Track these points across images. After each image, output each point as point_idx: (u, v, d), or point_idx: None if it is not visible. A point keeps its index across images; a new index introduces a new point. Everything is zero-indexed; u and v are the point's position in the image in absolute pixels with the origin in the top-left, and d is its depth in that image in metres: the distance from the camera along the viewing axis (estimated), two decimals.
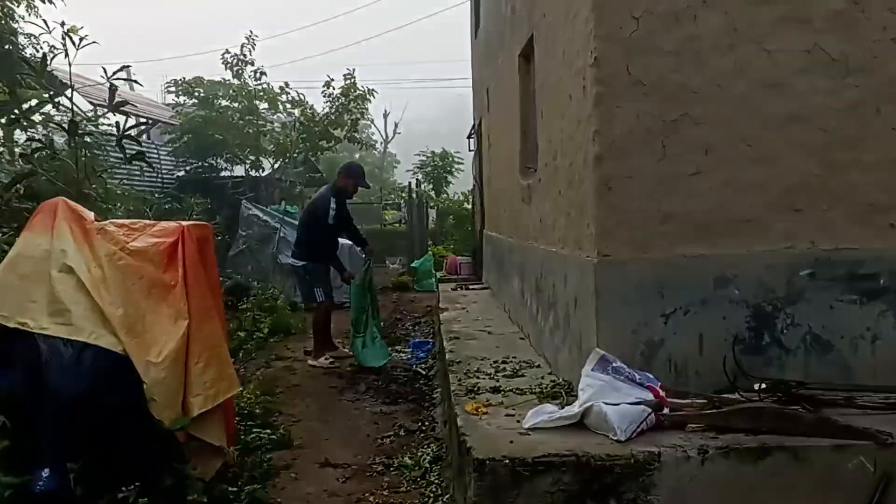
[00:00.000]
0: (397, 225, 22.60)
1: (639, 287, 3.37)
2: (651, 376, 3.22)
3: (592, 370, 3.22)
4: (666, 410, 3.04)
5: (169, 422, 3.74)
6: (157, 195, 15.80)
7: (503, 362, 4.76)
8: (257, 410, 5.59)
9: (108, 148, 14.73)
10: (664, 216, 3.39)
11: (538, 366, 4.62)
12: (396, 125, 40.04)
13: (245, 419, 5.31)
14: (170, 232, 4.08)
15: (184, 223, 4.15)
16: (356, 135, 15.37)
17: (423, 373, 7.04)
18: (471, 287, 9.09)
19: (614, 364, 3.22)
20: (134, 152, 6.36)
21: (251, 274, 12.38)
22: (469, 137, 13.34)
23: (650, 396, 3.09)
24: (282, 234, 13.04)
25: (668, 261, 3.38)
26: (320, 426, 5.64)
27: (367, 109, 14.99)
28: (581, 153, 3.68)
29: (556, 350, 4.35)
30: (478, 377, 4.36)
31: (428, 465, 4.49)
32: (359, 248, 8.70)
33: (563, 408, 3.27)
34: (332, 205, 7.54)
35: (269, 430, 5.34)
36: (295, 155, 15.39)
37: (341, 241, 13.20)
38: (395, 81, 41.61)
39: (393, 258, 20.21)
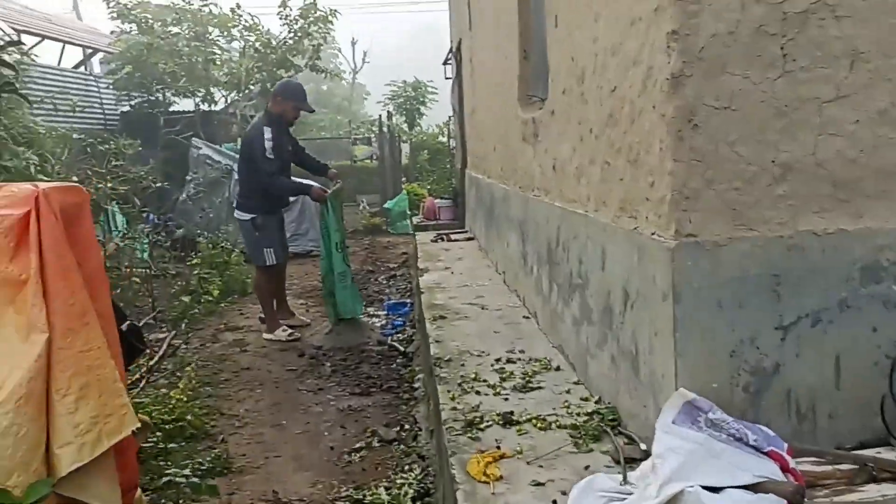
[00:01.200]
0: (368, 161, 21.13)
1: (741, 284, 2.13)
2: (771, 432, 2.01)
3: (674, 423, 2.00)
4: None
5: (22, 492, 2.48)
6: (97, 136, 14.25)
7: (508, 361, 3.54)
8: (188, 417, 4.35)
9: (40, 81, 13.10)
10: (783, 169, 2.13)
11: (557, 368, 3.40)
12: (365, 54, 37.89)
13: (168, 433, 4.08)
14: (18, 201, 2.74)
15: (42, 185, 2.79)
16: (319, 63, 13.76)
17: (401, 349, 5.82)
18: (453, 237, 7.83)
19: (710, 414, 2.01)
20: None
21: (201, 224, 11.00)
22: (446, 63, 11.89)
23: (775, 469, 1.89)
24: (236, 177, 11.61)
25: (789, 241, 2.14)
26: (271, 434, 4.41)
27: (329, 33, 13.36)
28: (636, 71, 2.39)
29: (585, 351, 3.12)
30: (478, 390, 3.14)
31: None
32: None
33: (625, 481, 2.06)
34: (268, 135, 6.05)
35: (199, 447, 4.13)
36: (251, 87, 13.81)
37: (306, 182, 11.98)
38: (361, 6, 39.23)
39: (365, 197, 18.84)
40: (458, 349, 3.79)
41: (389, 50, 52.98)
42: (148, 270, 8.14)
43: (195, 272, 8.37)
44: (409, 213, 14.92)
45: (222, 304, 7.82)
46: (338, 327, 6.27)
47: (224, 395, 5.01)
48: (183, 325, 6.95)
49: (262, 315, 6.82)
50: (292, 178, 6.77)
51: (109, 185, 7.56)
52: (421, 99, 21.69)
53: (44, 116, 11.95)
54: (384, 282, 9.21)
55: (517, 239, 4.83)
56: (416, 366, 5.33)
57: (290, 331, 6.45)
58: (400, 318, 7.06)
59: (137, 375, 5.18)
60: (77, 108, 12.84)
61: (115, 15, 13.69)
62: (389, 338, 6.23)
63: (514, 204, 4.93)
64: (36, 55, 15.27)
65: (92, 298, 2.83)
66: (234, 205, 6.49)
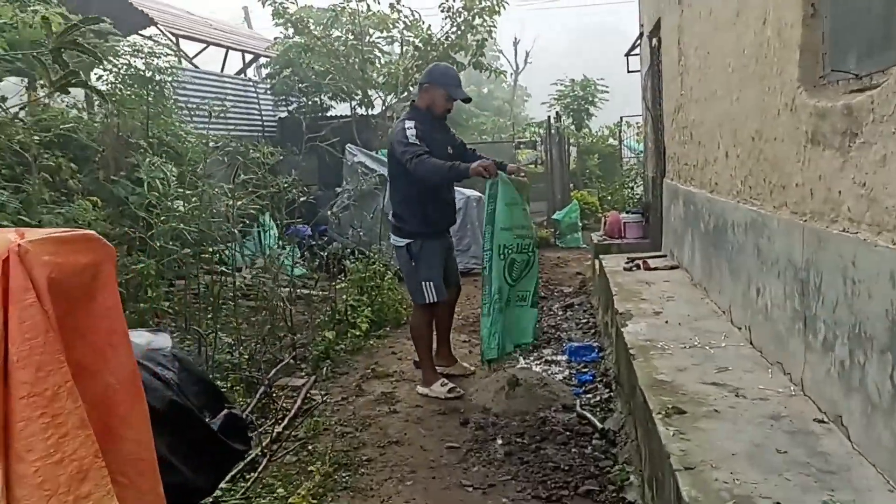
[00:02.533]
0: (533, 166, 19.70)
1: None
2: None
3: None
4: None
5: None
6: (256, 140, 13.75)
7: None
8: None
9: (191, 88, 12.70)
10: None
11: None
12: (528, 54, 36.49)
13: None
14: None
15: (22, 241, 1.53)
16: (482, 59, 12.50)
17: (598, 424, 4.34)
18: (652, 265, 6.23)
19: None
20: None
21: (353, 240, 10.02)
22: (629, 54, 10.25)
23: None
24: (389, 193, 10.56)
25: None
26: None
27: (494, 27, 12.06)
28: None
29: None
30: None
31: None
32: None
33: None
34: (409, 125, 4.81)
35: None
36: (410, 87, 12.77)
37: (466, 193, 10.67)
38: (526, 2, 37.73)
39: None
40: (727, 489, 2.28)
41: (552, 52, 51.35)
42: (291, 291, 7.16)
43: (343, 297, 7.30)
44: (580, 224, 13.37)
45: (371, 340, 6.65)
46: (512, 383, 4.89)
47: (363, 489, 3.75)
48: (325, 369, 5.83)
49: (416, 358, 5.58)
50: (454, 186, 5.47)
51: (247, 198, 6.57)
52: (590, 99, 19.98)
53: (198, 124, 11.46)
54: (559, 312, 7.74)
55: (787, 290, 3.23)
56: (623, 459, 3.84)
57: (449, 385, 5.16)
58: (587, 370, 5.58)
59: (260, 450, 4.05)
60: (227, 114, 12.31)
61: (277, 21, 13.09)
62: (578, 401, 4.77)
63: (781, 236, 3.33)
64: (195, 64, 15.09)
65: (112, 418, 1.60)
66: (391, 229, 5.26)
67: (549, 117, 14.77)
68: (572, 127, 17.89)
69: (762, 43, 3.58)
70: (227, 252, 6.70)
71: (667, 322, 4.43)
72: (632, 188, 13.59)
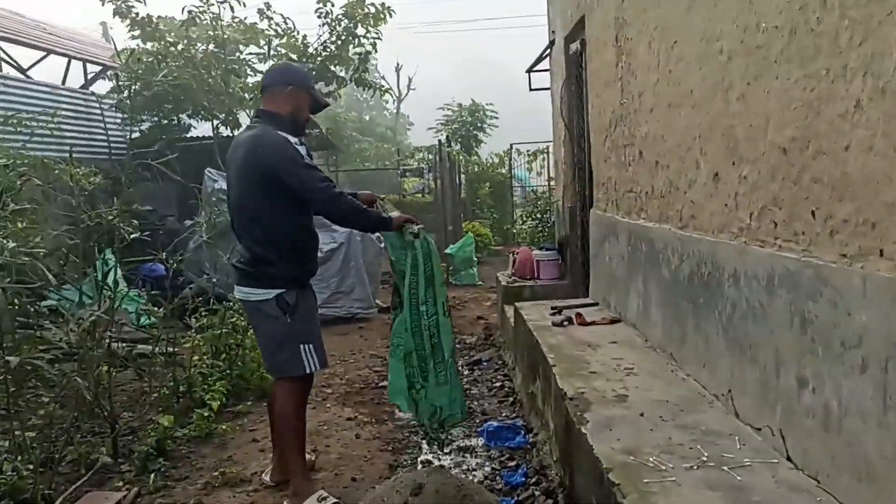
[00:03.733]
0: (419, 195, 18.39)
1: None
2: None
3: None
4: None
5: None
6: (98, 164, 11.75)
7: None
8: None
9: (13, 100, 10.64)
10: None
11: None
12: (410, 80, 35.44)
13: None
14: None
15: None
16: (366, 76, 11.10)
17: None
18: (587, 318, 4.94)
19: None
20: None
21: (212, 282, 8.35)
22: (532, 70, 9.11)
23: None
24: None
25: None
26: None
27: (380, 38, 10.68)
28: None
29: None
30: None
31: None
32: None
33: None
34: (297, 144, 3.56)
35: None
36: None
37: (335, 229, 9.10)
38: (403, 27, 36.75)
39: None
40: None
41: (434, 80, 50.78)
42: (125, 348, 5.47)
43: (193, 362, 5.65)
44: (475, 259, 12.12)
45: (225, 423, 5.01)
46: (416, 491, 3.42)
47: None
48: (154, 474, 4.17)
49: (269, 473, 4.06)
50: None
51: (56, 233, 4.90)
52: (479, 125, 18.97)
53: (31, 143, 9.50)
54: (464, 371, 6.36)
55: (889, 393, 1.94)
56: None
57: (331, 499, 3.63)
58: (514, 462, 4.19)
59: None
60: (63, 133, 10.37)
61: (129, 29, 11.19)
62: None
63: (872, 305, 2.05)
64: (27, 74, 12.94)
65: None
66: (237, 278, 3.67)
67: (439, 141, 13.49)
68: (464, 153, 16.70)
69: (806, 4, 2.34)
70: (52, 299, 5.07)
71: (642, 415, 3.09)
72: (538, 218, 12.44)
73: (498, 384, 5.85)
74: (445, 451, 4.54)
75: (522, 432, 4.58)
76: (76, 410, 4.38)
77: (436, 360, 3.69)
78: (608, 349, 4.22)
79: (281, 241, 3.55)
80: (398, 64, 35.20)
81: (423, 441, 4.69)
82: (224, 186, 8.69)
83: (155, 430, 4.55)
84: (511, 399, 5.41)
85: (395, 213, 3.85)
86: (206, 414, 4.94)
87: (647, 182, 4.27)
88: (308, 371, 3.67)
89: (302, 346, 3.63)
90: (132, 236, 5.44)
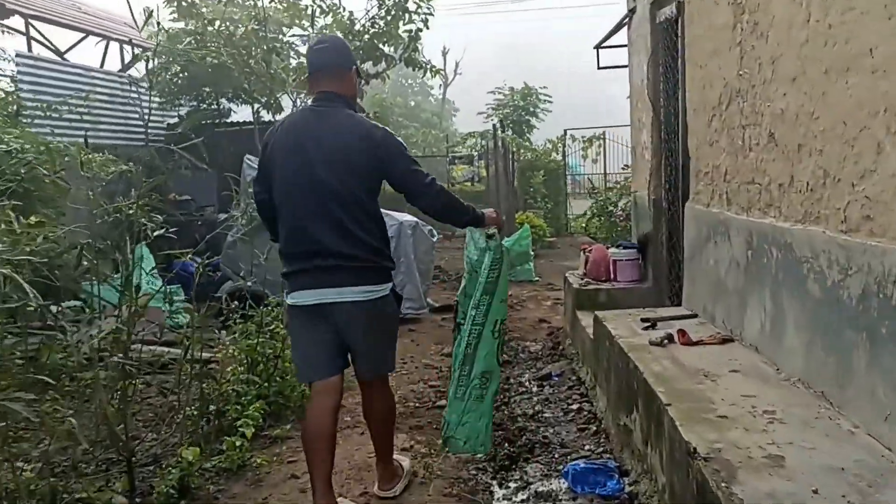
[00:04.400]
0: (468, 184, 17.56)
1: None
2: None
3: None
4: None
5: None
6: (133, 155, 11.18)
7: None
8: None
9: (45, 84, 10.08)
10: None
11: None
12: (458, 64, 34.50)
13: None
14: None
15: None
16: (416, 55, 10.30)
17: None
18: (692, 337, 4.07)
19: None
20: None
21: (256, 274, 7.70)
22: (601, 46, 8.20)
23: None
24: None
25: None
26: None
27: (432, 13, 9.87)
28: None
29: None
30: None
31: None
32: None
33: None
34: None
35: None
36: None
37: (398, 218, 8.38)
38: (452, 6, 35.72)
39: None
40: None
41: (480, 65, 49.80)
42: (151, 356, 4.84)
43: (223, 376, 4.96)
44: (531, 252, 11.27)
45: (259, 457, 4.27)
46: None
47: None
48: None
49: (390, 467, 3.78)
50: None
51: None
52: (531, 109, 18.07)
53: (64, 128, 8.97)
54: (532, 388, 5.54)
55: None
56: None
57: None
58: None
59: None
60: (99, 119, 9.82)
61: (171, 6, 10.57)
62: None
63: None
64: (64, 57, 12.41)
65: None
66: (343, 279, 3.26)
67: (493, 126, 12.61)
68: (517, 139, 15.81)
69: None
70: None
71: (816, 492, 2.25)
72: (608, 211, 11.52)
73: (574, 406, 5.03)
74: (520, 497, 3.76)
75: (616, 476, 3.76)
76: (85, 441, 3.69)
77: (462, 370, 3.54)
78: (731, 381, 3.37)
79: (385, 231, 3.44)
80: (445, 48, 34.27)
81: (495, 482, 3.93)
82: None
83: (178, 465, 3.85)
84: (594, 428, 4.59)
85: (488, 210, 3.65)
86: (238, 443, 4.22)
87: (780, 171, 3.39)
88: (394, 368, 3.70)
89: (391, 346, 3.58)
90: (156, 232, 4.73)
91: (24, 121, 8.33)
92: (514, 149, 14.25)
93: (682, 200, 5.10)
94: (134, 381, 4.23)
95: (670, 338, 4.07)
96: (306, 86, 9.76)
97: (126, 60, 13.19)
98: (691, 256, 4.83)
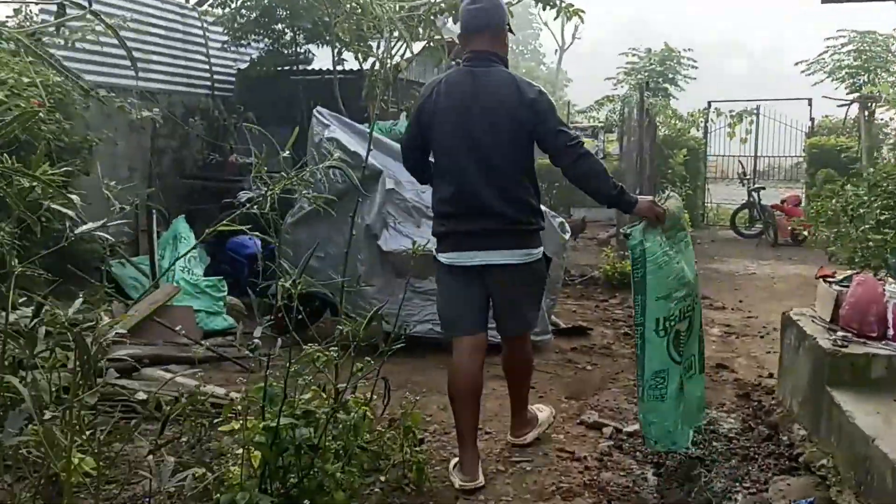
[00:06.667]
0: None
1: None
2: None
3: None
4: None
5: None
6: (201, 105, 9.18)
7: None
8: None
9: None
10: None
11: None
12: (577, 29, 31.45)
13: None
14: None
15: None
16: None
17: None
18: None
19: None
20: None
21: (320, 269, 5.61)
22: None
23: None
24: (389, 185, 5.91)
25: None
26: None
27: None
28: None
29: None
30: None
31: None
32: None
33: None
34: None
35: None
36: (430, 31, 8.13)
37: None
38: None
39: (584, 212, 12.75)
40: None
41: (591, 38, 46.46)
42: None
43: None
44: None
45: None
46: None
47: None
48: None
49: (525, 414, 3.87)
50: None
51: None
52: (670, 76, 15.24)
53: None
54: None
55: None
56: None
57: None
58: None
59: None
60: (154, 61, 7.88)
61: None
62: None
63: None
64: None
65: None
66: (505, 241, 3.36)
67: (641, 89, 9.97)
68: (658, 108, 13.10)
69: None
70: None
71: None
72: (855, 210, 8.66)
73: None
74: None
75: None
76: None
77: (638, 372, 3.60)
78: None
79: (538, 188, 3.57)
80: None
81: None
82: (338, 136, 5.73)
83: None
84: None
85: (644, 198, 3.52)
86: None
87: None
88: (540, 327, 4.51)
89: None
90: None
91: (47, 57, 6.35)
92: (661, 119, 11.62)
93: None
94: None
95: None
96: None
97: None
98: None
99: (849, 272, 4.11)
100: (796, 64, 14.28)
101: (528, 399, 3.87)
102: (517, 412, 3.82)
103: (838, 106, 13.41)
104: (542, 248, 3.49)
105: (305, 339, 3.12)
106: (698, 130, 14.99)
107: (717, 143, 15.78)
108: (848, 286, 3.88)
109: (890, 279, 3.74)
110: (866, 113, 12.19)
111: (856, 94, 13.09)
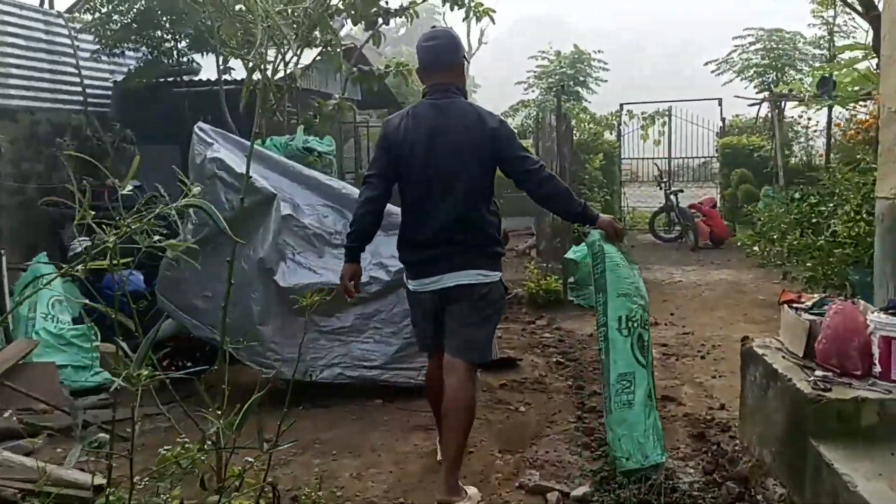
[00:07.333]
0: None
1: None
2: None
3: None
4: None
5: None
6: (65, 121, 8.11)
7: None
8: None
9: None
10: None
11: None
12: (482, 32, 31.06)
13: None
14: None
15: None
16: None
17: None
18: None
19: None
20: None
21: (208, 311, 4.82)
22: None
23: None
24: (285, 210, 5.10)
25: None
26: None
27: None
28: None
29: None
30: None
31: None
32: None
33: None
34: None
35: None
36: (323, 40, 7.37)
37: None
38: None
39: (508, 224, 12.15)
40: None
41: (490, 38, 46.34)
42: None
43: None
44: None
45: None
46: None
47: None
48: None
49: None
50: None
51: None
52: (580, 79, 14.89)
53: None
54: None
55: None
56: None
57: None
58: None
59: None
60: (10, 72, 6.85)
61: None
62: None
63: None
64: None
65: None
66: (461, 262, 3.45)
67: (558, 94, 9.44)
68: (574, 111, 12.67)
69: None
70: None
71: None
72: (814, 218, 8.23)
73: None
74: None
75: None
76: None
77: (603, 379, 3.60)
78: None
79: (498, 215, 3.63)
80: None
81: None
82: (224, 156, 4.89)
83: None
84: None
85: (607, 216, 3.66)
86: None
87: None
88: (493, 357, 3.79)
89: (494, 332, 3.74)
90: None
91: None
92: (574, 123, 11.18)
93: None
94: None
95: None
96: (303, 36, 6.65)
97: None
98: None
99: (816, 296, 3.58)
100: (706, 64, 14.17)
101: (462, 456, 3.48)
102: (448, 469, 3.42)
103: (749, 105, 13.34)
104: (500, 274, 3.53)
105: (190, 393, 2.76)
106: (612, 133, 14.69)
107: (631, 145, 15.55)
108: (821, 314, 3.34)
109: (876, 312, 3.21)
110: (776, 111, 12.13)
111: (766, 93, 13.04)
